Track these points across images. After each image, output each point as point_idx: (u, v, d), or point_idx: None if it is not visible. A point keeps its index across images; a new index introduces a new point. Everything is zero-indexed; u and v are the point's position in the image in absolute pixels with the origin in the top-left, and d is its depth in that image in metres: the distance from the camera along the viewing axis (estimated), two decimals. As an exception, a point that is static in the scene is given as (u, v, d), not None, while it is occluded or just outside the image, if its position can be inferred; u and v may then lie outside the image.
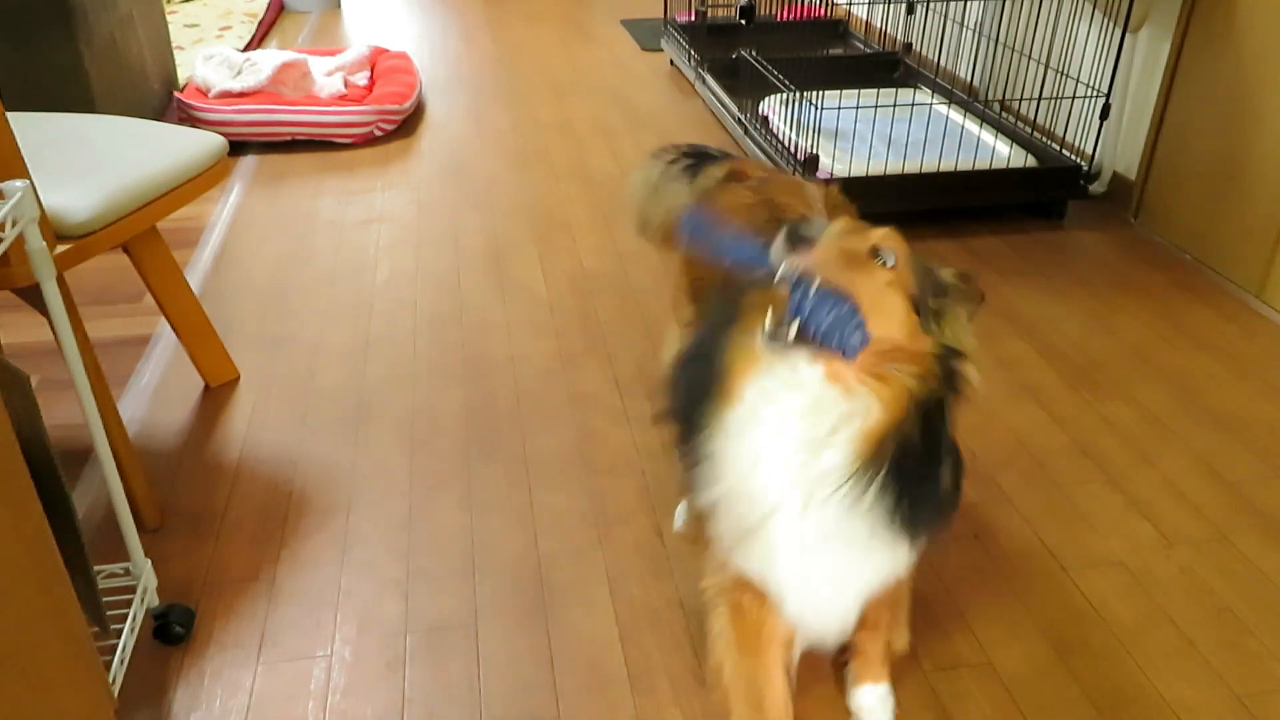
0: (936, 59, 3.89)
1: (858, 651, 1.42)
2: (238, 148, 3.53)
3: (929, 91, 3.56)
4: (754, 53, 3.72)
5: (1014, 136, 3.16)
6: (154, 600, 1.56)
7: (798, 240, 1.01)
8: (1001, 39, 3.49)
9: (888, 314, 1.06)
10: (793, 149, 3.07)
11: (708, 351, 1.18)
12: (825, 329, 1.02)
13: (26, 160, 1.47)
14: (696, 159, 1.77)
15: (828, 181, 1.39)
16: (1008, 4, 3.43)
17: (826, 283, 1.02)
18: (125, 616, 1.47)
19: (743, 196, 1.59)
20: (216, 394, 2.21)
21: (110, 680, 1.34)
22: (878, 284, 1.06)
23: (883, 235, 1.11)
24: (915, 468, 1.11)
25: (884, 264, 1.08)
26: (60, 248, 1.60)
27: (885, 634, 1.43)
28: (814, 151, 2.92)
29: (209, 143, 1.93)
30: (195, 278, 2.70)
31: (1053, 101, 3.24)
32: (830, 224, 1.10)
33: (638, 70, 4.49)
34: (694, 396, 1.19)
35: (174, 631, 1.57)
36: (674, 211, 1.72)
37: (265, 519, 1.85)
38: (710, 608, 1.39)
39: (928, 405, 1.09)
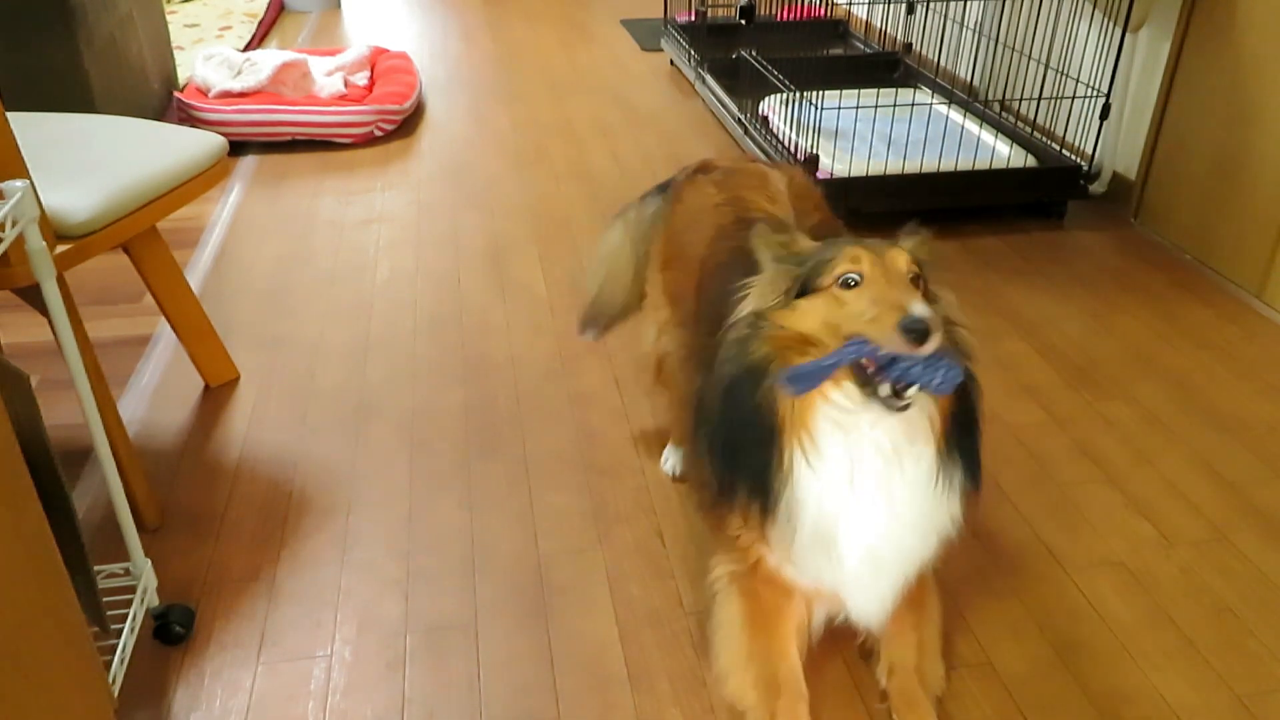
0: (936, 59, 3.89)
1: (899, 695, 1.42)
2: (238, 148, 3.53)
3: (929, 91, 3.56)
4: (754, 53, 3.72)
5: (1014, 136, 3.16)
6: (154, 600, 1.56)
7: (914, 332, 1.15)
8: (1001, 39, 3.49)
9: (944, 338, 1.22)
10: (793, 149, 3.07)
11: (749, 415, 1.28)
12: (937, 385, 1.19)
13: (26, 160, 1.48)
14: (659, 188, 1.89)
15: (808, 166, 1.45)
16: (1008, 4, 3.43)
17: (935, 344, 1.17)
18: (125, 616, 1.47)
19: (710, 196, 1.68)
20: (216, 394, 2.21)
21: (110, 680, 1.34)
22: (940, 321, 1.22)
23: (911, 263, 1.29)
24: (966, 438, 1.32)
25: (935, 300, 1.29)
26: (60, 248, 1.61)
27: (920, 668, 1.45)
28: (814, 151, 2.92)
29: (209, 143, 1.93)
30: (195, 278, 2.70)
31: (1053, 101, 3.24)
32: (889, 261, 1.26)
33: (638, 70, 4.49)
34: (752, 454, 1.29)
35: (174, 631, 1.57)
36: (650, 241, 1.84)
37: (265, 519, 1.85)
38: (721, 594, 1.45)
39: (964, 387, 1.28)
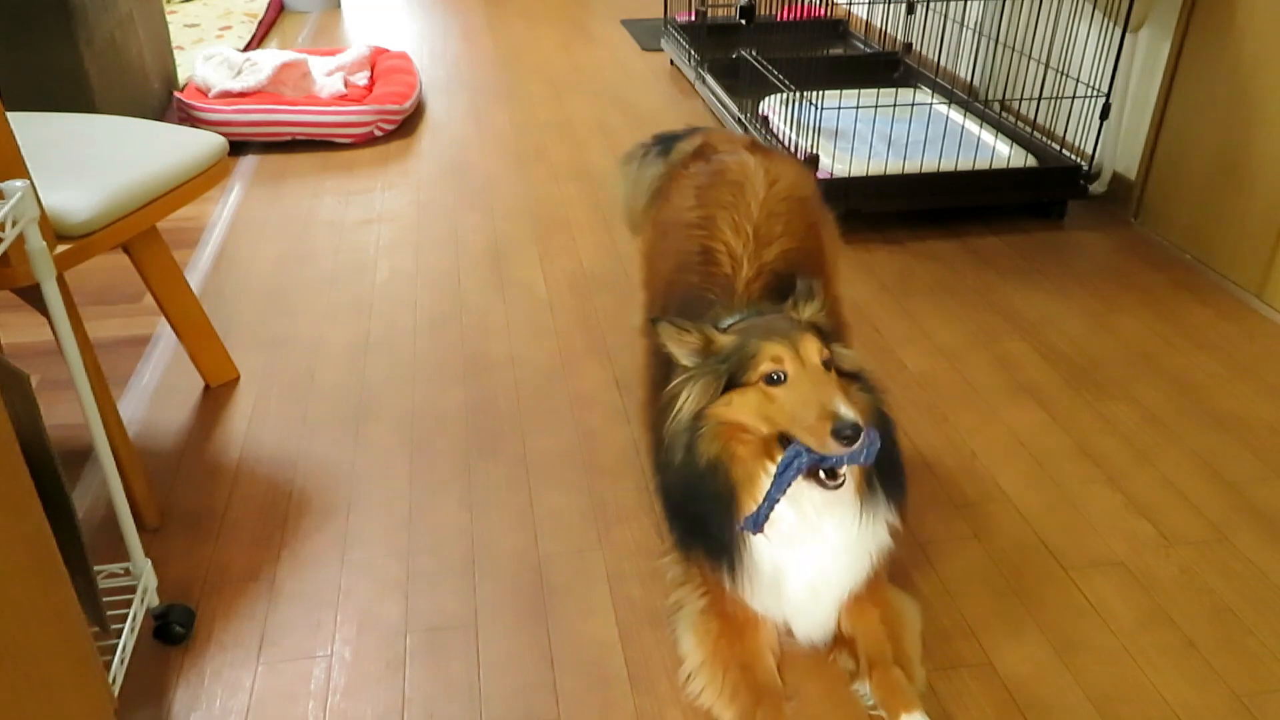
0: (936, 59, 3.89)
1: (882, 689, 1.47)
2: (238, 148, 3.54)
3: (929, 91, 3.56)
4: (754, 53, 3.72)
5: (1014, 136, 3.16)
6: (154, 600, 1.56)
7: (844, 435, 1.30)
8: (1001, 39, 3.49)
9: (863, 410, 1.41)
10: (793, 149, 3.07)
11: (709, 503, 1.44)
12: (864, 460, 1.36)
13: (26, 160, 1.48)
14: (665, 142, 1.99)
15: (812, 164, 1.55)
16: (1008, 4, 3.43)
17: (862, 435, 1.32)
18: (125, 616, 1.47)
19: (688, 204, 1.78)
20: (216, 394, 2.21)
21: (110, 680, 1.34)
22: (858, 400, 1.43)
23: (823, 349, 1.41)
24: (885, 470, 1.47)
25: (841, 369, 1.44)
26: (60, 248, 1.61)
27: (896, 657, 1.50)
28: (814, 151, 2.92)
29: (209, 143, 1.93)
30: (195, 278, 2.70)
31: (1053, 101, 3.24)
32: (805, 349, 1.39)
33: (638, 70, 4.49)
34: (713, 530, 1.45)
35: (174, 631, 1.57)
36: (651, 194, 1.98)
37: (265, 519, 1.85)
38: (689, 609, 1.57)
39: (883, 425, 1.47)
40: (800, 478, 1.37)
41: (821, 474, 1.37)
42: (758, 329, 1.44)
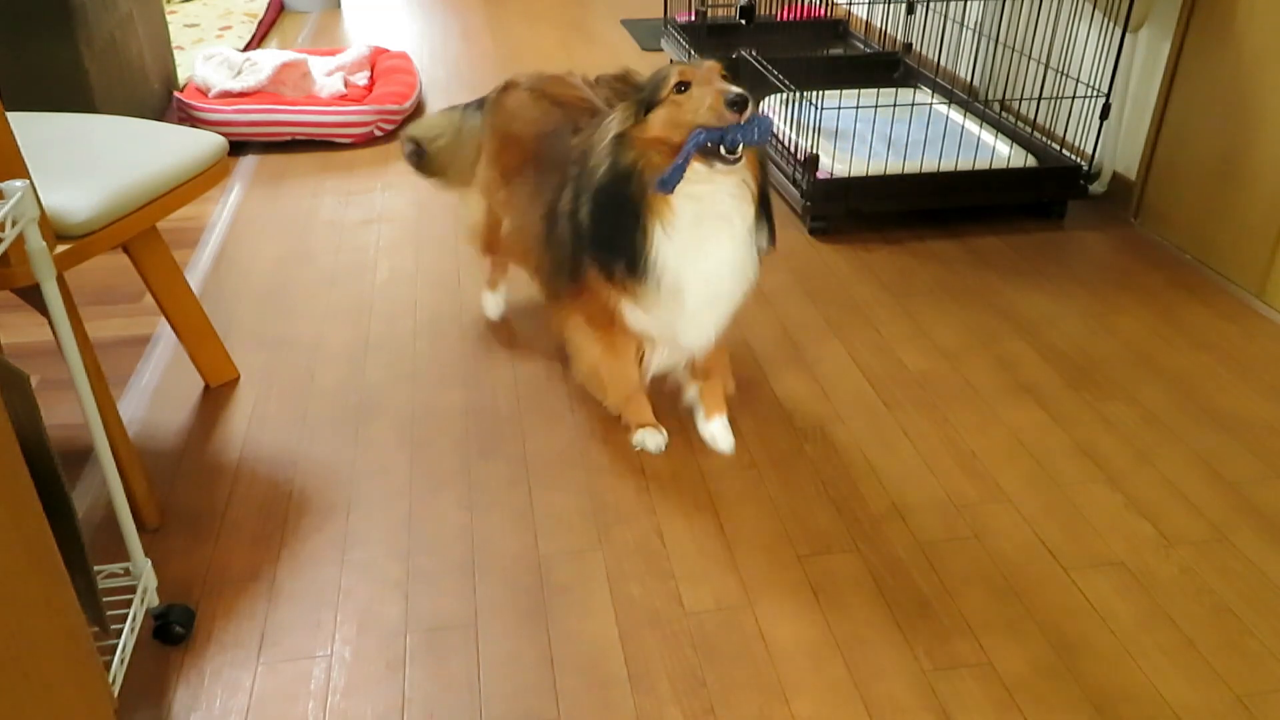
0: (936, 59, 3.89)
1: (704, 395, 2.04)
2: (238, 148, 3.54)
3: (929, 91, 3.56)
4: (754, 53, 3.72)
5: (1014, 136, 3.16)
6: (154, 600, 1.56)
7: (735, 103, 1.63)
8: (1001, 39, 3.49)
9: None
10: (793, 149, 3.07)
11: (622, 199, 1.74)
12: (758, 137, 1.66)
13: (26, 160, 1.48)
14: (478, 102, 2.33)
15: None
16: (1008, 4, 3.43)
17: (752, 110, 1.65)
18: (125, 616, 1.47)
19: (525, 98, 2.14)
20: (216, 394, 2.21)
21: (110, 680, 1.34)
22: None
23: (721, 68, 1.74)
24: (766, 206, 1.82)
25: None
26: (60, 248, 1.61)
27: (720, 380, 2.05)
28: (814, 151, 2.92)
29: (209, 143, 1.93)
30: (195, 278, 2.70)
31: (1053, 101, 3.24)
32: (704, 69, 1.71)
33: (638, 70, 4.48)
34: (626, 223, 1.75)
35: (174, 631, 1.57)
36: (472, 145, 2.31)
37: (265, 519, 1.85)
38: (579, 332, 1.99)
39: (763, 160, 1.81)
40: (708, 164, 1.69)
41: (722, 149, 1.66)
42: (667, 67, 1.76)
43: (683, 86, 1.70)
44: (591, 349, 1.99)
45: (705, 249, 1.76)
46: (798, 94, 3.10)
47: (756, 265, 1.85)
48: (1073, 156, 3.07)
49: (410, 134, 2.42)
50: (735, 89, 1.64)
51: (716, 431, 2.04)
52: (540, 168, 2.06)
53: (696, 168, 1.69)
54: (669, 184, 1.67)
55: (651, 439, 2.02)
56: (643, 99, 1.75)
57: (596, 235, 1.81)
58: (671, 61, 1.80)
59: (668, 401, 2.14)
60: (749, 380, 2.25)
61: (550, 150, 2.03)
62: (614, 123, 1.78)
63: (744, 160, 1.71)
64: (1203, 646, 1.59)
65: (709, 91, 1.67)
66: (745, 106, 1.63)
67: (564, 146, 1.98)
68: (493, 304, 2.50)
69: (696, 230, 1.74)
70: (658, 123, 1.72)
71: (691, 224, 1.73)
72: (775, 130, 1.82)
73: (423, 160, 2.41)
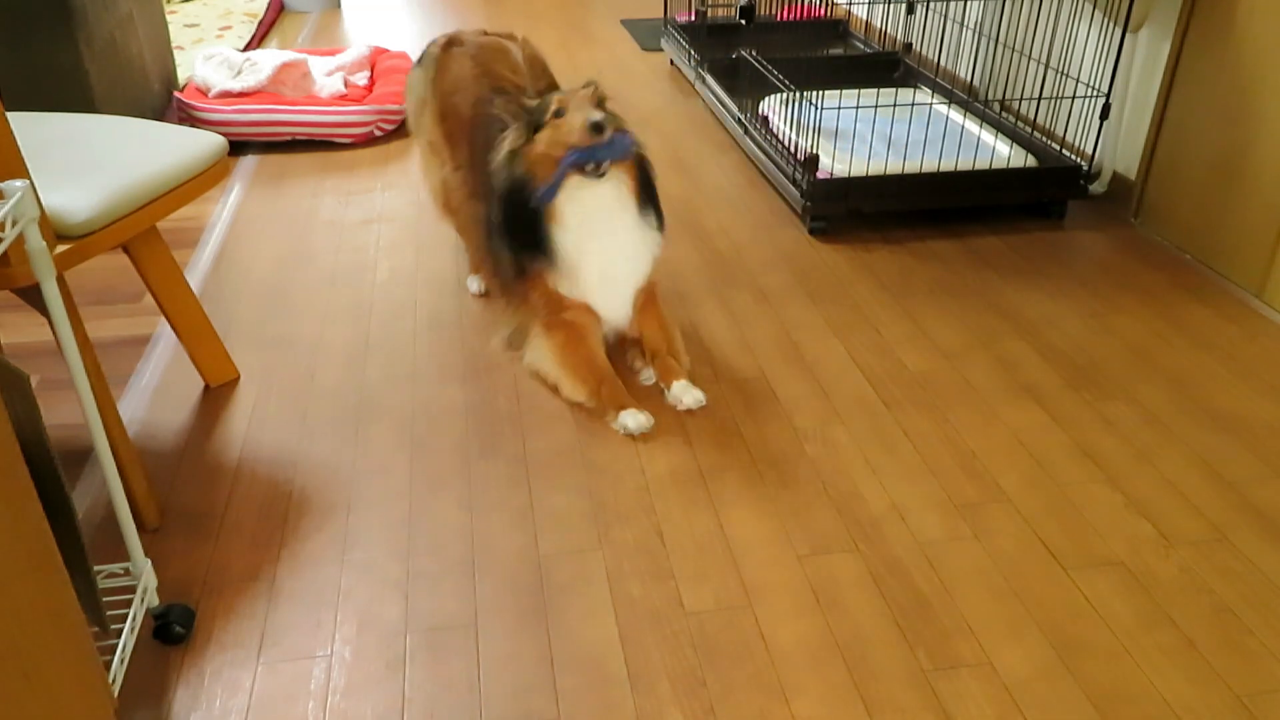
0: (936, 59, 3.89)
1: (661, 369, 2.20)
2: (238, 148, 3.54)
3: (929, 91, 3.56)
4: (754, 53, 3.72)
5: (1014, 136, 3.16)
6: (154, 600, 1.56)
7: (595, 128, 1.99)
8: (1001, 39, 3.49)
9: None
10: (793, 149, 3.07)
11: (520, 205, 2.10)
12: (621, 154, 2.07)
13: (26, 160, 1.48)
14: (419, 61, 2.60)
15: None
16: (1008, 4, 3.43)
17: (611, 132, 2.03)
18: (125, 616, 1.47)
19: (469, 68, 2.39)
20: (216, 394, 2.21)
21: (110, 680, 1.34)
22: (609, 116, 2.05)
23: (594, 94, 2.08)
24: (650, 196, 2.18)
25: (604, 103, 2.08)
26: (60, 248, 1.60)
27: (668, 356, 2.22)
28: (814, 151, 2.92)
29: (209, 143, 1.93)
30: (195, 278, 2.70)
31: (1053, 101, 3.24)
32: (577, 97, 2.06)
33: (638, 70, 4.49)
34: (529, 224, 2.10)
35: (174, 631, 1.57)
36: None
37: (265, 519, 1.85)
38: (537, 334, 2.20)
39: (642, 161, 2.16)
40: (577, 171, 2.04)
41: (589, 167, 2.03)
42: (556, 93, 2.11)
43: (559, 112, 2.05)
44: (549, 344, 2.17)
45: (597, 238, 2.11)
46: (798, 94, 3.10)
47: (655, 244, 2.20)
48: (1073, 156, 3.07)
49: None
50: (596, 114, 1.99)
51: (678, 393, 2.15)
52: (475, 159, 2.30)
53: (577, 177, 2.05)
54: (548, 196, 2.06)
55: (632, 419, 2.06)
56: (531, 120, 2.09)
57: (509, 235, 2.15)
58: (555, 92, 2.15)
59: (663, 406, 2.15)
60: (749, 380, 2.26)
61: (484, 140, 2.24)
62: (507, 140, 2.12)
63: (614, 168, 2.07)
64: (1203, 646, 1.59)
65: (578, 117, 2.01)
66: (603, 130, 1.99)
67: (491, 137, 2.21)
68: (476, 284, 2.61)
69: (586, 224, 2.10)
70: (541, 142, 2.07)
71: (580, 220, 2.09)
72: (635, 146, 2.10)
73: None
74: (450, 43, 2.50)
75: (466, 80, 2.38)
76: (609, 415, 2.08)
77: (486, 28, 2.69)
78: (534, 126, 2.08)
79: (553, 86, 2.39)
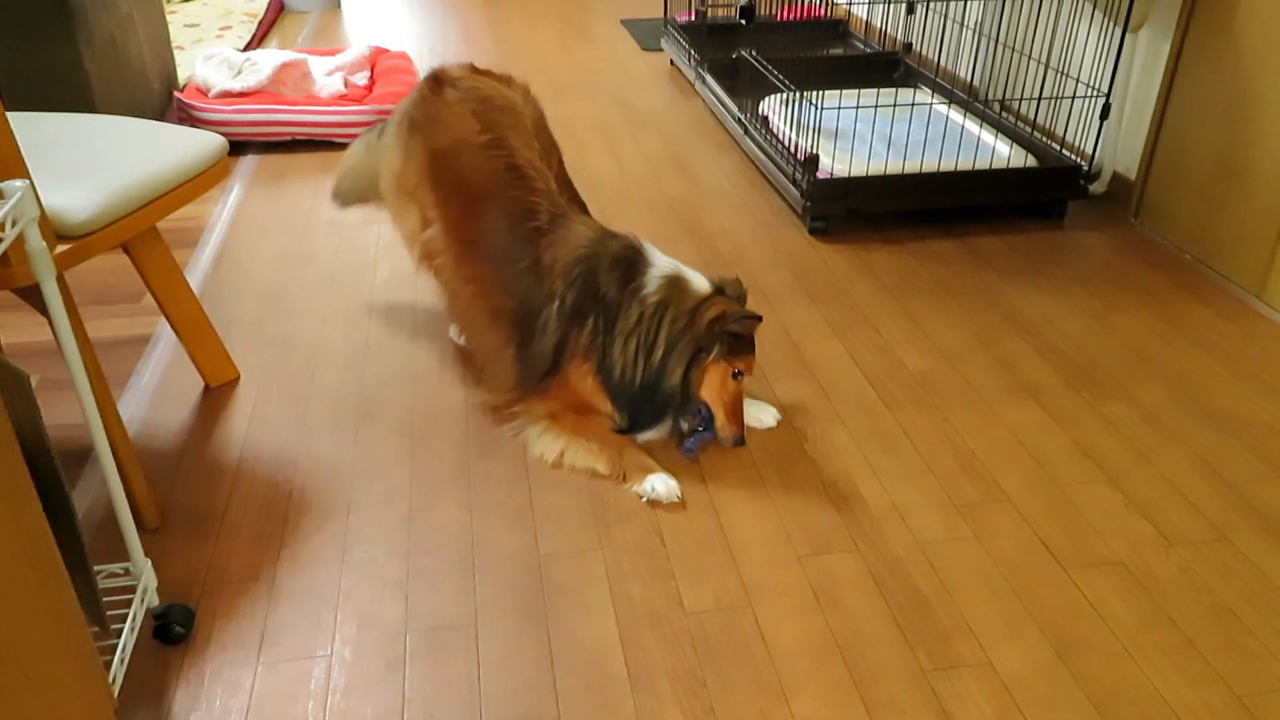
0: (936, 59, 3.89)
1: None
2: (238, 148, 3.54)
3: (929, 91, 3.56)
4: (754, 53, 3.72)
5: (1014, 136, 3.16)
6: (154, 600, 1.56)
7: (733, 441, 1.96)
8: (1001, 39, 3.49)
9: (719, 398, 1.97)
10: (793, 149, 3.07)
11: (670, 397, 1.96)
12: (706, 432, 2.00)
13: (26, 160, 1.48)
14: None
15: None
16: (1008, 4, 3.43)
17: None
18: (125, 616, 1.47)
19: (471, 126, 2.09)
20: (216, 394, 2.21)
21: (110, 680, 1.34)
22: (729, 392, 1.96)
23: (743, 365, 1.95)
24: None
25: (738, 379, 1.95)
26: (60, 248, 1.60)
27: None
28: (814, 151, 2.92)
29: (209, 143, 1.93)
30: (195, 278, 2.70)
31: (1053, 101, 3.24)
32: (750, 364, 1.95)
33: (638, 70, 4.49)
34: (660, 409, 1.98)
35: (174, 631, 1.57)
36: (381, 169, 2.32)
37: (265, 519, 1.85)
38: (543, 428, 2.01)
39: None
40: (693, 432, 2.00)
41: (687, 442, 2.00)
42: (743, 326, 1.93)
43: (739, 375, 1.94)
44: (558, 427, 2.00)
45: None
46: (798, 94, 3.10)
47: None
48: (1073, 156, 3.07)
49: (335, 192, 2.56)
50: (739, 434, 1.96)
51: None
52: (484, 233, 2.05)
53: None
54: (690, 451, 2.00)
55: (662, 483, 1.89)
56: (724, 347, 1.91)
57: (637, 399, 1.97)
58: (745, 328, 1.94)
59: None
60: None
61: (502, 226, 2.03)
62: (700, 337, 1.91)
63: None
64: (1203, 646, 1.59)
65: (737, 410, 1.96)
66: (734, 444, 1.98)
67: (524, 234, 2.00)
68: (457, 333, 2.38)
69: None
70: (710, 386, 1.94)
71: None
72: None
73: (342, 193, 2.53)
74: (439, 82, 2.17)
75: (470, 144, 2.08)
76: (634, 481, 1.91)
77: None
78: (727, 352, 1.91)
79: (551, 147, 2.16)
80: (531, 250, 2.00)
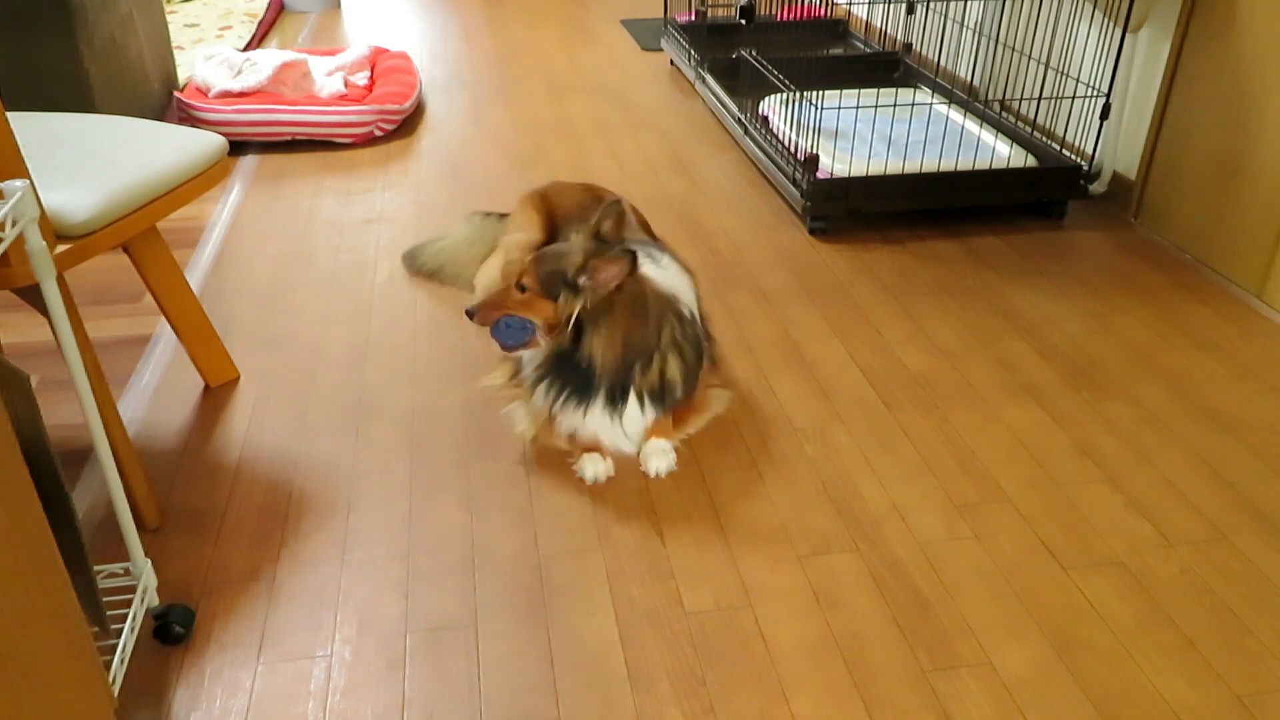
0: (936, 59, 3.89)
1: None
2: (238, 148, 3.54)
3: (929, 91, 3.56)
4: (754, 53, 3.72)
5: (1014, 136, 3.16)
6: (154, 600, 1.56)
7: (468, 314, 1.98)
8: (1001, 39, 3.49)
9: (536, 313, 1.93)
10: (793, 149, 3.07)
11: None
12: (517, 337, 1.95)
13: (26, 160, 1.48)
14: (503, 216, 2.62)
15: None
16: (1008, 4, 3.44)
17: (509, 320, 1.94)
18: (125, 616, 1.47)
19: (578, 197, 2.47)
20: (216, 394, 2.21)
21: (110, 680, 1.34)
22: (526, 304, 1.93)
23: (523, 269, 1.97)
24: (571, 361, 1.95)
25: (523, 291, 1.93)
26: (60, 248, 1.60)
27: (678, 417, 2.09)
28: (814, 151, 2.92)
29: (209, 143, 1.93)
30: (195, 278, 2.70)
31: (1053, 101, 3.24)
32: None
33: (638, 70, 4.49)
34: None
35: (174, 631, 1.57)
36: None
37: (265, 519, 1.85)
38: (521, 403, 2.06)
39: (578, 327, 1.90)
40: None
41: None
42: None
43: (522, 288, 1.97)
44: (532, 423, 2.07)
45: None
46: (798, 94, 3.10)
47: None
48: (1073, 156, 3.07)
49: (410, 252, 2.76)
50: (470, 304, 2.00)
51: (648, 451, 2.00)
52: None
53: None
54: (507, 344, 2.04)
55: (590, 466, 1.94)
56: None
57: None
58: None
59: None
60: (749, 380, 2.26)
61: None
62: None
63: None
64: (1203, 646, 1.59)
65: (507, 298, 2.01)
66: (471, 317, 1.99)
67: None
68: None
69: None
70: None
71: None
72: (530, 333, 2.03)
73: (418, 263, 2.73)
74: (549, 186, 2.52)
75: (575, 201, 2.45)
76: (574, 458, 1.97)
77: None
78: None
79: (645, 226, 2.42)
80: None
